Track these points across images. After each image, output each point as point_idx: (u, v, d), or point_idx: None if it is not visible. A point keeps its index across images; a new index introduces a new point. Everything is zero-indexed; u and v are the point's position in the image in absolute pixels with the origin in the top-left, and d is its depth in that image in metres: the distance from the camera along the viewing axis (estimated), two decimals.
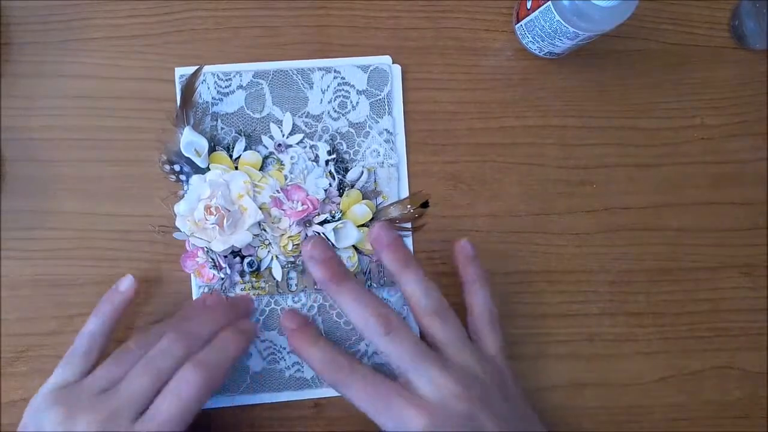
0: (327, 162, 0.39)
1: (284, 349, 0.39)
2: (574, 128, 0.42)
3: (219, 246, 0.36)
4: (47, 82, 0.39)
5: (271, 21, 0.41)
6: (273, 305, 0.39)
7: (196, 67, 0.37)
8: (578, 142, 0.42)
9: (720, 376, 0.42)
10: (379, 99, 0.40)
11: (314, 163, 0.39)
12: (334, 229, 0.37)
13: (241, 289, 0.38)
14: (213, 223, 0.36)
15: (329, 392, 0.39)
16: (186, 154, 0.37)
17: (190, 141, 0.37)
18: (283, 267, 0.38)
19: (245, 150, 0.38)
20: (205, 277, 0.37)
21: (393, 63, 0.40)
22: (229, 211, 0.36)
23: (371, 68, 0.40)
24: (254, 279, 0.38)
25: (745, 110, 0.43)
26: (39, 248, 0.39)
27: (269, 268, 0.38)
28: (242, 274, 0.38)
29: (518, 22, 0.41)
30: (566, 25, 0.37)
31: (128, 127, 0.39)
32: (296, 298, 0.39)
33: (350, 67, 0.39)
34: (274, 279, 0.38)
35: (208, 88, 0.39)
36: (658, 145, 0.42)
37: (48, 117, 0.39)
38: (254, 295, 0.39)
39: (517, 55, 0.42)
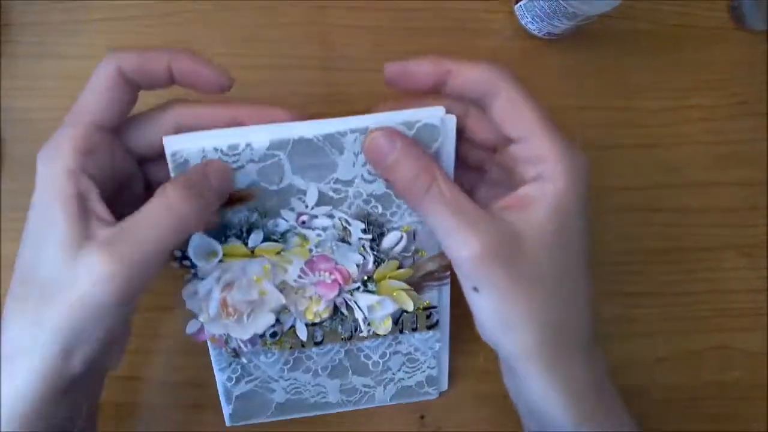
0: (360, 238, 0.33)
1: (308, 383, 0.38)
2: (573, 109, 0.42)
3: (239, 334, 0.33)
4: (47, 62, 0.39)
5: (271, 2, 0.41)
6: (297, 353, 0.36)
7: (191, 140, 0.29)
8: (578, 123, 0.42)
9: (719, 357, 0.41)
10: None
11: (345, 243, 0.33)
12: (369, 306, 0.34)
13: (262, 345, 0.35)
14: (231, 321, 0.32)
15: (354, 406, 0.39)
16: (195, 261, 0.31)
17: (200, 244, 0.31)
18: (307, 326, 0.35)
19: (263, 242, 0.32)
20: (220, 344, 0.35)
21: (447, 113, 0.30)
22: (249, 301, 0.32)
23: (419, 125, 0.30)
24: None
25: (745, 91, 0.43)
26: None
27: (293, 327, 0.35)
28: (264, 342, 0.35)
29: (517, 2, 0.41)
30: (565, 5, 0.37)
31: None
32: (323, 348, 0.36)
33: (392, 125, 0.30)
34: (299, 338, 0.35)
35: None
36: (658, 125, 0.42)
37: (48, 98, 0.39)
38: (277, 350, 0.36)
39: (517, 36, 0.42)
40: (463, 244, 0.27)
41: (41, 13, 0.39)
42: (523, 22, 0.41)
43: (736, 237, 0.42)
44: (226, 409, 0.37)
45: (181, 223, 0.26)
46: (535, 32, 0.41)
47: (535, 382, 0.28)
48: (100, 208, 0.27)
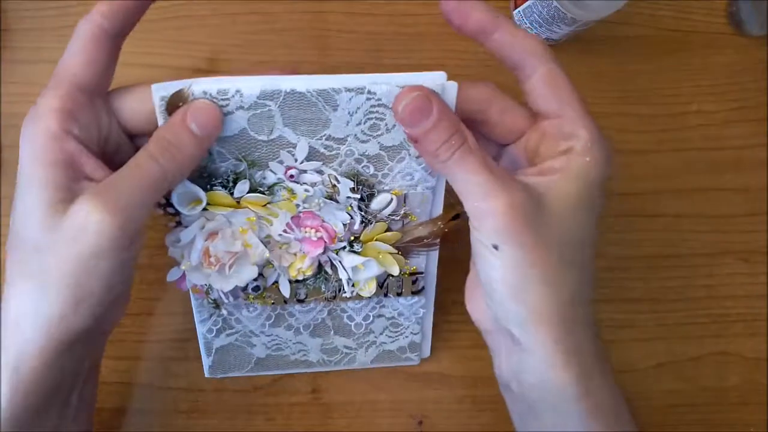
0: (348, 197, 0.32)
1: (290, 340, 0.38)
2: None
3: (221, 285, 0.33)
4: (45, 67, 0.39)
5: (269, 7, 0.41)
6: (280, 309, 0.36)
7: (180, 87, 0.28)
8: None
9: (717, 363, 0.41)
10: None
11: (333, 201, 0.32)
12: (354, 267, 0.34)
13: (245, 299, 0.35)
14: (213, 272, 0.32)
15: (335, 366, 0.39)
16: (179, 208, 0.31)
17: (183, 192, 0.30)
18: (291, 282, 0.34)
19: (249, 192, 0.32)
20: (202, 294, 0.35)
21: (449, 80, 0.29)
22: (232, 253, 0.32)
23: None
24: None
25: (743, 96, 0.43)
26: None
27: (276, 283, 0.35)
28: (246, 295, 0.35)
29: (516, 8, 0.41)
30: (564, 11, 0.37)
31: None
32: (305, 306, 0.36)
33: (389, 87, 0.29)
34: (282, 294, 0.35)
35: None
36: (656, 131, 0.42)
37: None
38: (259, 304, 0.36)
39: None
40: (492, 197, 0.26)
41: (38, 19, 0.39)
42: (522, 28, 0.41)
43: (734, 243, 0.42)
44: (206, 361, 0.37)
45: (164, 173, 0.27)
46: None
47: (542, 350, 0.27)
48: (90, 168, 0.27)
